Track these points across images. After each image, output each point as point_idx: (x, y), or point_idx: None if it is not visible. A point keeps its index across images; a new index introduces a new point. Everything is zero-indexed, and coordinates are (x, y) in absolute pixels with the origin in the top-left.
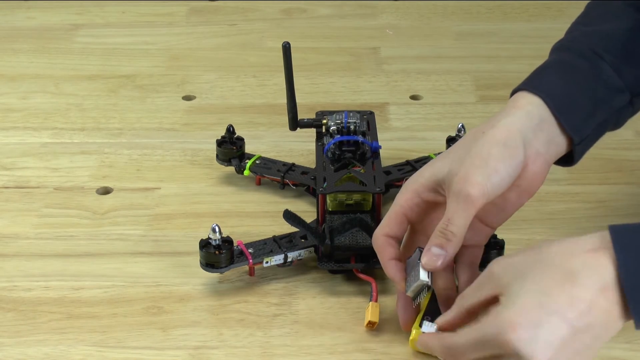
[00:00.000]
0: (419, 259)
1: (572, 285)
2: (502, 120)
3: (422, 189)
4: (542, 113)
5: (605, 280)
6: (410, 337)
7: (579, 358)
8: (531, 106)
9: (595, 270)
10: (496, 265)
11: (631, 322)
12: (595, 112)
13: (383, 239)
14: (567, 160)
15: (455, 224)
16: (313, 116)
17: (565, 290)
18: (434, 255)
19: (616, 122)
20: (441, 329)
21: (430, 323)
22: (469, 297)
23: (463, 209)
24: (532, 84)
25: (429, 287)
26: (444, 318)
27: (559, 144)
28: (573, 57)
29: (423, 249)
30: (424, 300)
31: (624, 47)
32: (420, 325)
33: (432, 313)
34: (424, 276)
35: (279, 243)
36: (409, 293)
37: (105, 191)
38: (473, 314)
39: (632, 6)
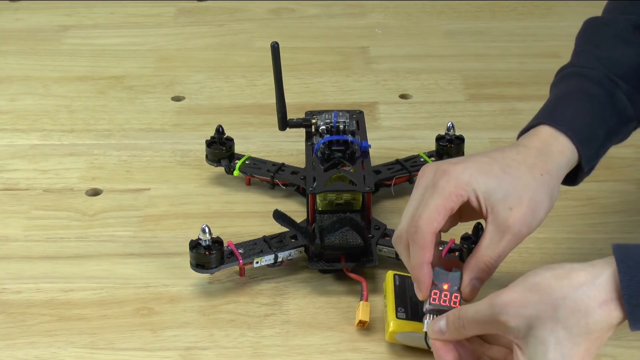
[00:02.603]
0: (447, 281)
1: (587, 341)
2: (554, 167)
3: (473, 195)
4: (574, 156)
5: (613, 325)
6: (390, 329)
7: None
8: (569, 152)
9: (607, 321)
10: (507, 316)
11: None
12: (606, 142)
13: (432, 236)
14: (567, 180)
15: (501, 260)
16: (302, 116)
17: (581, 347)
18: (475, 289)
19: (617, 144)
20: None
21: (433, 317)
22: (470, 328)
23: (512, 247)
24: (558, 118)
25: None
26: (441, 333)
27: (569, 170)
28: (590, 84)
29: (443, 269)
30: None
31: (636, 75)
32: (397, 315)
33: (402, 303)
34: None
35: (269, 243)
36: (428, 309)
37: (95, 193)
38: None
39: (639, 29)
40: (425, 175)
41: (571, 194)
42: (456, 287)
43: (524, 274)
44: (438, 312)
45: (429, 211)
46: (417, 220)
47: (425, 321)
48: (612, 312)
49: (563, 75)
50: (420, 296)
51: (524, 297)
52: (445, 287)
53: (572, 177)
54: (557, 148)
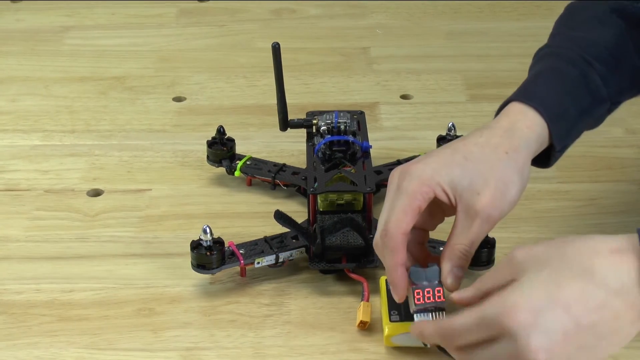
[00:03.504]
0: (426, 278)
1: (587, 282)
2: (522, 143)
3: (439, 189)
4: (544, 132)
5: (623, 282)
6: (385, 334)
7: (580, 356)
8: (539, 128)
9: (615, 271)
10: (518, 252)
11: None
12: (579, 122)
13: (402, 238)
14: (539, 161)
15: (475, 246)
16: (303, 116)
17: (577, 284)
18: (457, 277)
19: (592, 127)
20: (457, 303)
21: (422, 315)
22: (487, 280)
23: (485, 231)
24: (528, 95)
25: (443, 309)
26: (460, 295)
27: (541, 149)
28: (563, 64)
29: (419, 266)
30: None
31: (611, 56)
32: (391, 319)
33: (395, 306)
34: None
35: (270, 243)
36: (415, 310)
37: (96, 193)
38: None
39: (615, 12)
40: (392, 179)
41: (572, 194)
42: (436, 281)
43: None
44: (426, 310)
45: (395, 214)
46: (387, 224)
47: (416, 319)
48: (624, 261)
49: (539, 57)
50: (396, 298)
51: (537, 244)
52: (426, 284)
53: (545, 159)
54: (525, 123)
